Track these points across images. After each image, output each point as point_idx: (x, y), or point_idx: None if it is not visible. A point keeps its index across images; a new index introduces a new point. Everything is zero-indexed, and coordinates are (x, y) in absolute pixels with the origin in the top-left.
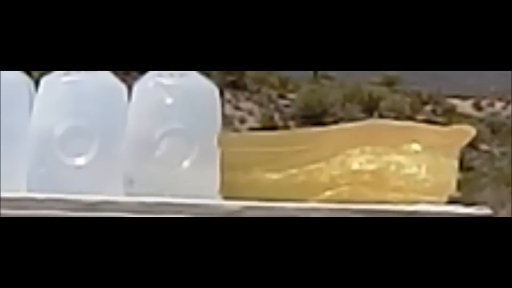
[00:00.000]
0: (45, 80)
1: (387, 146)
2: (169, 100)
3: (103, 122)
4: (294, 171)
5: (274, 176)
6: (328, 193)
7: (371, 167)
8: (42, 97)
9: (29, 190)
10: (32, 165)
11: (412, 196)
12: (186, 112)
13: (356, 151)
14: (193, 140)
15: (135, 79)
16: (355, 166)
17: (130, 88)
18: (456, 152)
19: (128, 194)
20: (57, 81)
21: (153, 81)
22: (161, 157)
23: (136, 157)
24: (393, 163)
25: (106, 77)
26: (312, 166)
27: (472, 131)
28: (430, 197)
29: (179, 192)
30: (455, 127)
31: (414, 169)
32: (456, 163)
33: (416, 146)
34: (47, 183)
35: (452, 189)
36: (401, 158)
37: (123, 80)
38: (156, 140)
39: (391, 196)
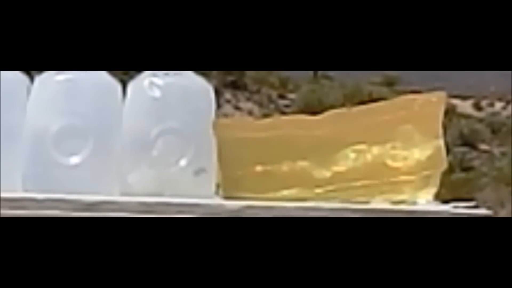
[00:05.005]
0: (39, 79)
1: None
2: (164, 99)
3: (98, 120)
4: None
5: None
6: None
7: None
8: (36, 96)
9: (24, 189)
10: (27, 164)
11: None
12: (181, 110)
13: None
14: (188, 138)
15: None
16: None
17: None
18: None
19: (125, 194)
20: (51, 80)
21: (148, 80)
22: (157, 156)
23: (133, 156)
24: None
25: (100, 75)
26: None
27: (442, 95)
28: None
29: (176, 191)
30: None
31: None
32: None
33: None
34: (41, 182)
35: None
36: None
37: (122, 80)
38: (152, 139)
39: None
